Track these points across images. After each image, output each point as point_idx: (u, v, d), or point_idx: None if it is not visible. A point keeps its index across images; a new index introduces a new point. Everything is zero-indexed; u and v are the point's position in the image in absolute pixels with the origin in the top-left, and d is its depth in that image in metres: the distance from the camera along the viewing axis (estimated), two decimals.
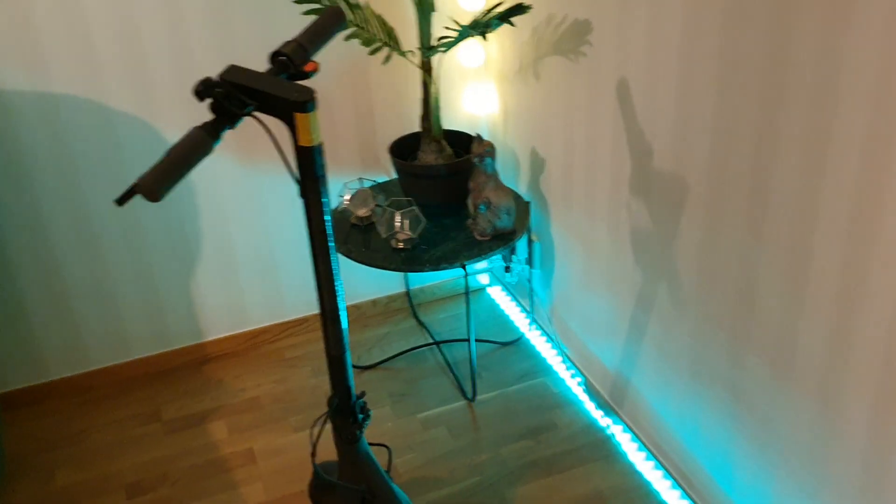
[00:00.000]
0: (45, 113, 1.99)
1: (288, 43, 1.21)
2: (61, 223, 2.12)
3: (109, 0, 1.93)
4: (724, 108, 1.43)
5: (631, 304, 1.89)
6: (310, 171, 1.18)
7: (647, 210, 1.73)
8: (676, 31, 1.50)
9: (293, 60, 1.19)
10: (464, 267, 1.98)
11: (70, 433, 2.18)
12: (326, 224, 1.26)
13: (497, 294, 2.63)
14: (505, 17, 1.70)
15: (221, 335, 2.43)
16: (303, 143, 1.15)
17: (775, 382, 1.46)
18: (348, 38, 1.93)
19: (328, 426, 1.53)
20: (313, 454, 1.59)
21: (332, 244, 1.29)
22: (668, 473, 1.89)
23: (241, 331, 2.45)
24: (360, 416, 1.53)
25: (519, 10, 1.70)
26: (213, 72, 2.07)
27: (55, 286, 2.18)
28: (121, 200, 1.09)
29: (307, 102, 1.10)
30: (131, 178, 2.10)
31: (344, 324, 1.40)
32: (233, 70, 1.15)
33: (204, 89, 1.10)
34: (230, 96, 1.11)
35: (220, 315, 2.40)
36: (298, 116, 1.12)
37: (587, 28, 1.79)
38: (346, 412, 1.52)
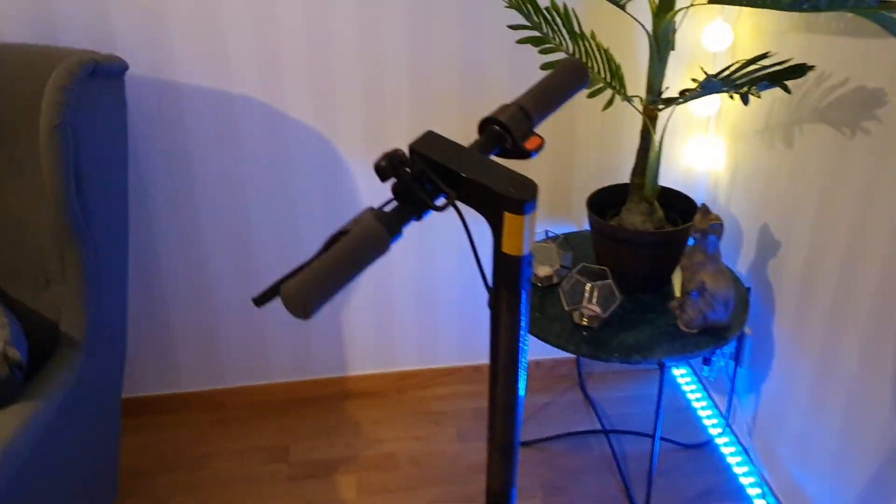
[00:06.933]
0: (218, 111, 1.81)
1: (506, 107, 0.89)
2: (217, 233, 1.94)
3: (302, 9, 1.72)
4: None
5: (876, 450, 1.46)
6: (511, 282, 0.87)
7: None
8: None
9: (511, 132, 0.87)
10: (661, 365, 1.62)
11: (193, 455, 2.01)
12: (521, 344, 0.94)
13: (685, 383, 2.23)
14: (778, 78, 1.30)
15: (366, 371, 2.19)
16: (509, 250, 0.83)
17: None
18: None
19: None
20: None
21: (523, 370, 0.97)
22: None
23: (387, 370, 2.20)
24: None
25: (798, 71, 1.30)
26: (399, 100, 1.83)
27: (203, 297, 2.01)
28: (259, 301, 0.82)
29: (526, 203, 0.78)
30: (294, 197, 1.92)
31: (516, 458, 1.09)
32: (428, 140, 0.84)
33: (388, 166, 0.80)
34: (422, 179, 0.81)
35: (367, 350, 2.16)
36: (509, 217, 0.80)
37: (878, 99, 1.37)
38: None
